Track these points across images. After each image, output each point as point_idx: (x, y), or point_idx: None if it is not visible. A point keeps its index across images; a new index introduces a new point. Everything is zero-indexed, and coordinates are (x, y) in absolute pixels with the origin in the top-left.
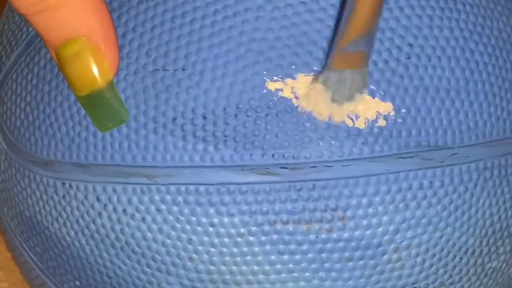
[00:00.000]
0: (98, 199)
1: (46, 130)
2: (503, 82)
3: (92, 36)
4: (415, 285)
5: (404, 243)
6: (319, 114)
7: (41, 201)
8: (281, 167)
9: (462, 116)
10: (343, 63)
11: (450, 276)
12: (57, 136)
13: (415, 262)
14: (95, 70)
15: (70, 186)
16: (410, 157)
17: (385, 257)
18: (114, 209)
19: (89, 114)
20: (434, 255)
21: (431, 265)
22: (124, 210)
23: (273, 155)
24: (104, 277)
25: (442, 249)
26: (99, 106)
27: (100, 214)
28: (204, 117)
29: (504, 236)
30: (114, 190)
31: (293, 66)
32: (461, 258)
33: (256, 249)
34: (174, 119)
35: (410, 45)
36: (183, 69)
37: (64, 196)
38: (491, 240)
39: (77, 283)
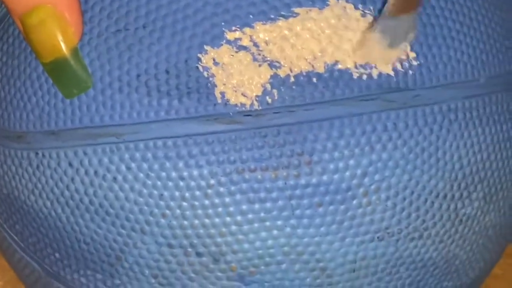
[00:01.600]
0: (70, 164)
1: (17, 103)
2: (461, 26)
3: (57, 3)
4: (388, 230)
5: (373, 186)
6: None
7: (16, 175)
8: (244, 115)
9: (421, 59)
10: (400, 9)
11: (423, 221)
12: (27, 107)
13: (386, 206)
14: (59, 37)
15: (43, 155)
16: (372, 99)
17: (355, 201)
18: (86, 172)
19: (55, 81)
20: (404, 199)
21: (403, 209)
22: (96, 172)
23: (235, 105)
24: (82, 244)
25: (412, 193)
26: (64, 73)
27: (73, 179)
28: (167, 72)
29: (475, 181)
30: (85, 153)
31: (251, 16)
32: (433, 203)
33: (227, 199)
34: (138, 76)
35: None
36: (144, 27)
37: (38, 167)
38: (462, 184)
39: (57, 255)
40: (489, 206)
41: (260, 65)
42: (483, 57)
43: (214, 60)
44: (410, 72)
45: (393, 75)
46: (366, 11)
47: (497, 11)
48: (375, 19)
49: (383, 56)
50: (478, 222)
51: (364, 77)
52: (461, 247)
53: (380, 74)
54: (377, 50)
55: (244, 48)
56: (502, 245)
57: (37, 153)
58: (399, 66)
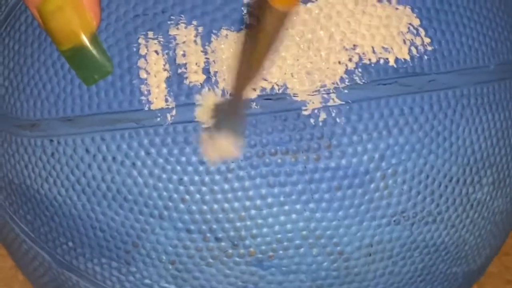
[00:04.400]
0: (87, 150)
1: (31, 91)
2: (471, 13)
3: None
4: (404, 214)
5: (390, 170)
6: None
7: (29, 164)
8: (265, 99)
9: (435, 44)
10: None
11: (437, 205)
12: (42, 95)
13: (402, 189)
14: (77, 23)
15: (59, 142)
16: (390, 83)
17: (373, 185)
18: (104, 158)
19: (74, 68)
20: (420, 183)
21: (418, 193)
22: (114, 158)
23: (254, 89)
24: (98, 232)
25: (427, 177)
26: (84, 59)
27: (90, 166)
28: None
29: (485, 166)
30: (103, 139)
31: None
32: (446, 187)
33: (247, 183)
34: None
35: None
36: (163, 12)
37: (53, 154)
38: (474, 169)
39: (70, 244)
40: (497, 192)
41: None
42: (493, 44)
43: (233, 44)
44: (425, 57)
45: (409, 59)
46: None
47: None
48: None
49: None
50: (487, 208)
51: (381, 61)
52: (471, 232)
53: (396, 59)
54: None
55: None
56: (506, 233)
57: (51, 140)
58: (414, 51)
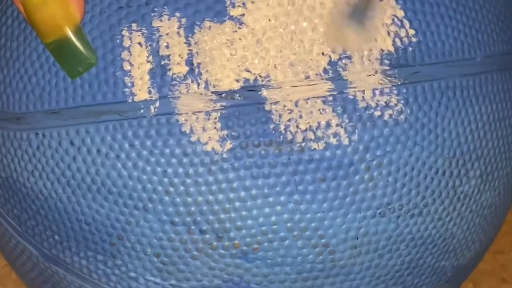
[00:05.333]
0: (71, 143)
1: (16, 84)
2: (457, 5)
3: None
4: (389, 206)
5: (374, 162)
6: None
7: (15, 157)
8: (248, 90)
9: (420, 36)
10: None
11: (423, 197)
12: (27, 88)
13: (387, 181)
14: (61, 15)
15: (44, 135)
16: (373, 74)
17: (358, 177)
18: (88, 151)
19: (59, 61)
20: (405, 175)
21: (403, 185)
22: (98, 150)
23: (237, 80)
24: (83, 225)
25: (413, 169)
26: (68, 52)
27: (74, 158)
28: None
29: (472, 158)
30: (87, 131)
31: None
32: (432, 179)
33: (231, 175)
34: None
35: None
36: (147, 4)
37: (38, 147)
38: (460, 162)
39: (56, 237)
40: (485, 185)
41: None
42: (479, 37)
43: (216, 36)
44: (410, 48)
45: (393, 51)
46: None
47: None
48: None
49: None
50: (475, 201)
51: (365, 53)
52: (458, 225)
53: (381, 50)
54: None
55: (247, 24)
56: (496, 227)
57: (37, 134)
58: (398, 42)
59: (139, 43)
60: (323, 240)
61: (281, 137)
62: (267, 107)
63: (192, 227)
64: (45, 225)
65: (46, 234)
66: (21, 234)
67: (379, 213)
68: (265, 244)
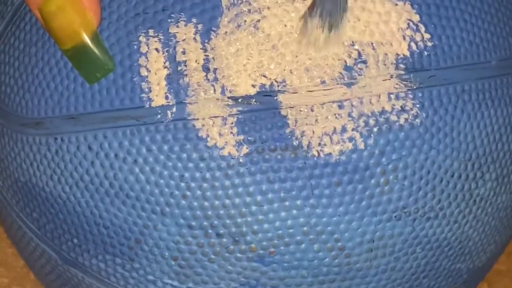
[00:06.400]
0: (90, 148)
1: (35, 90)
2: (472, 9)
3: None
4: (405, 210)
5: (390, 165)
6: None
7: (35, 162)
8: (264, 95)
9: (436, 40)
10: None
11: (439, 200)
12: (46, 93)
13: (403, 185)
14: (78, 22)
15: (62, 140)
16: (389, 79)
17: (373, 180)
18: (106, 156)
19: (76, 67)
20: (421, 178)
21: (419, 189)
22: (116, 155)
23: (253, 86)
24: (101, 228)
25: (429, 172)
26: (85, 58)
27: (93, 163)
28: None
29: (488, 161)
30: (105, 136)
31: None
32: (448, 182)
33: (247, 179)
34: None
35: None
36: (163, 10)
37: (57, 152)
38: (476, 165)
39: (75, 240)
40: (501, 187)
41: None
42: (494, 40)
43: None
44: (425, 52)
45: (408, 55)
46: None
47: None
48: (314, 2)
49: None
50: (490, 203)
51: (381, 57)
52: (474, 228)
53: (396, 55)
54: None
55: (263, 29)
56: (511, 229)
57: (56, 138)
58: (414, 47)
59: (156, 49)
60: (339, 244)
61: (297, 141)
62: (283, 112)
63: (209, 231)
64: (63, 229)
65: (65, 237)
66: (40, 237)
67: (395, 217)
68: (282, 247)
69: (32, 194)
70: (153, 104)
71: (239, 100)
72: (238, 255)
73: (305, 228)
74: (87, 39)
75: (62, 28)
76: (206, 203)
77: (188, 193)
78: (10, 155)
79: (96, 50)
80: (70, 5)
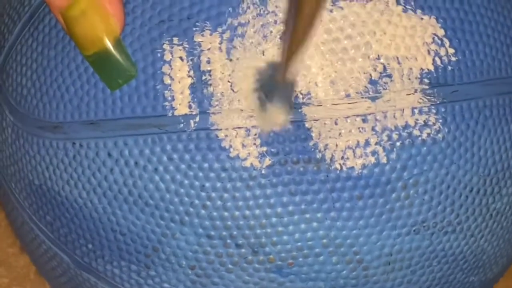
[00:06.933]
0: (109, 154)
1: (54, 93)
2: (495, 24)
3: None
4: (424, 224)
5: (411, 180)
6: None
7: (51, 166)
8: None
9: (459, 55)
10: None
11: (457, 215)
12: (65, 98)
13: (423, 199)
14: (101, 28)
15: (81, 145)
16: (413, 93)
17: (394, 194)
18: (126, 163)
19: (98, 73)
20: (441, 193)
21: (439, 203)
22: (136, 163)
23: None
24: (118, 235)
25: (448, 187)
26: (108, 64)
27: (112, 170)
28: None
29: (506, 176)
30: (126, 144)
31: None
32: (467, 197)
33: (268, 191)
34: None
35: None
36: (188, 18)
37: (74, 157)
38: (494, 179)
39: (90, 246)
40: None
41: None
42: None
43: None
44: (449, 67)
45: (433, 70)
46: (407, 6)
47: None
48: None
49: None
50: (506, 218)
51: (405, 71)
52: (489, 241)
53: (421, 70)
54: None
55: None
56: None
57: (74, 143)
58: (438, 61)
59: (180, 58)
60: (357, 256)
61: (320, 154)
62: (307, 125)
63: (228, 241)
64: (78, 234)
65: (79, 242)
66: (52, 241)
67: (414, 231)
68: (300, 259)
69: (47, 197)
70: (176, 113)
71: None
72: (256, 265)
73: (324, 241)
74: (109, 45)
75: (85, 33)
76: (226, 213)
77: (208, 203)
78: (25, 158)
79: (118, 57)
80: (93, 10)
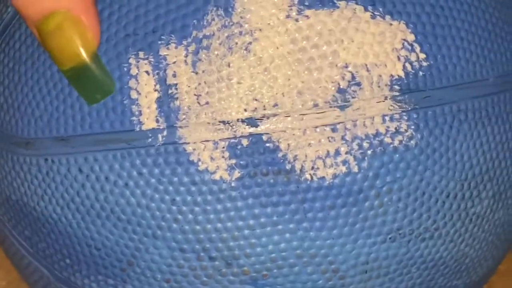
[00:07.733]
0: (80, 170)
1: (25, 109)
2: (469, 26)
3: (72, 7)
4: (399, 231)
5: (384, 188)
6: None
7: (25, 181)
8: (256, 119)
9: (431, 60)
10: None
11: (434, 221)
12: (36, 114)
13: (398, 207)
14: (78, 42)
15: (53, 161)
16: (383, 100)
17: (367, 203)
18: (97, 178)
19: (76, 88)
20: (416, 200)
21: (414, 210)
22: (107, 178)
23: (245, 110)
24: (93, 250)
25: (424, 193)
26: (86, 79)
27: (83, 185)
28: None
29: (484, 180)
30: (95, 159)
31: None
32: (444, 203)
33: (239, 204)
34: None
35: None
36: (154, 32)
37: (47, 173)
38: (472, 184)
39: (67, 261)
40: (498, 204)
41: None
42: (492, 56)
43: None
44: (421, 73)
45: (403, 76)
46: (376, 13)
47: (503, 9)
48: None
49: None
50: (487, 221)
51: (375, 79)
52: (471, 245)
53: (391, 76)
54: None
55: (254, 52)
56: (509, 241)
57: (46, 159)
58: (409, 67)
59: (146, 72)
60: (333, 266)
61: (290, 165)
62: (275, 136)
63: (202, 254)
64: (55, 248)
65: (57, 257)
66: (32, 255)
67: (390, 238)
68: (275, 270)
69: (24, 212)
70: (144, 128)
71: (231, 124)
72: (231, 278)
73: (298, 251)
74: (87, 60)
75: (61, 48)
76: (198, 227)
77: (179, 216)
78: (1, 173)
79: (96, 71)
80: (69, 24)
